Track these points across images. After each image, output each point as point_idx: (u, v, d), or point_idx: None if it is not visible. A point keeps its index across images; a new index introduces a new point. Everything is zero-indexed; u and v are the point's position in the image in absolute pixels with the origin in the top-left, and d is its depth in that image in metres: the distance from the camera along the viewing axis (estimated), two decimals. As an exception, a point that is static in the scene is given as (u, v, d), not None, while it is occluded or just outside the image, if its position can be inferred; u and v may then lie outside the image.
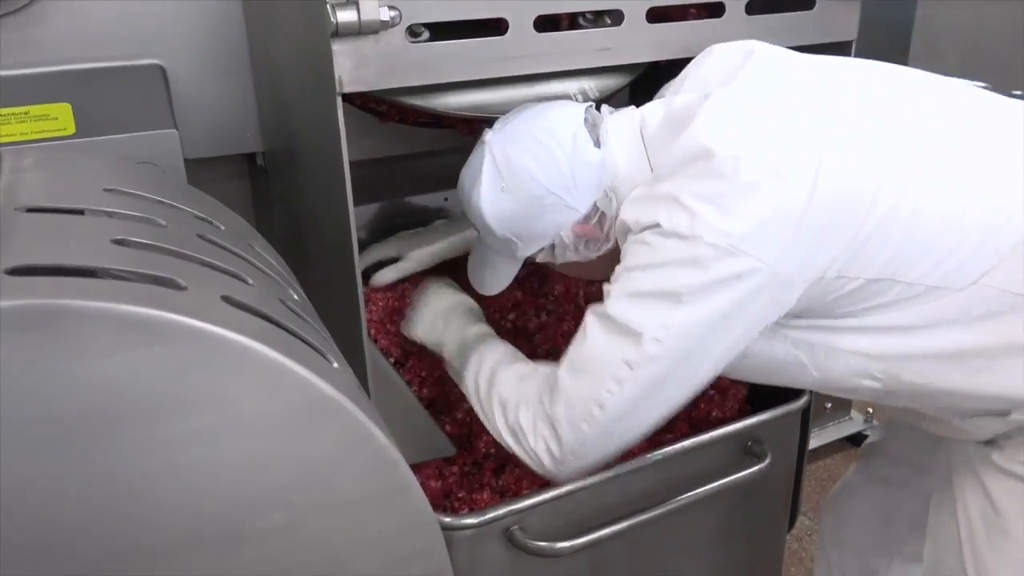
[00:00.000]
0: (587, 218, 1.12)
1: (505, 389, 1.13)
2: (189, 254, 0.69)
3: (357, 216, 1.08)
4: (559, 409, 1.03)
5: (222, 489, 0.61)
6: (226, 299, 0.64)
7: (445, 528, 1.10)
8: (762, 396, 1.42)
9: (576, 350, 1.04)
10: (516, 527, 1.16)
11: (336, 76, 0.99)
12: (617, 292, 1.00)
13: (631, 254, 1.01)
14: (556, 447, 1.05)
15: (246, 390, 0.60)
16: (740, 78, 1.04)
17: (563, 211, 1.11)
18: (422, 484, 1.27)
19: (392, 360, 1.38)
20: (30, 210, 0.68)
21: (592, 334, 1.02)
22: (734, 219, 0.93)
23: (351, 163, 1.04)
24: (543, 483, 1.26)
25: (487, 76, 1.11)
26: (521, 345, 1.50)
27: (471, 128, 1.53)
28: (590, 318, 1.03)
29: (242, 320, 0.63)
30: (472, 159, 1.16)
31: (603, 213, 1.11)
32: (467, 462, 1.35)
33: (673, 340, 0.96)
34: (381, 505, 0.67)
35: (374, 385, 1.18)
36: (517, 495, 1.26)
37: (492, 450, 1.33)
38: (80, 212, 0.72)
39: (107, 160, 0.87)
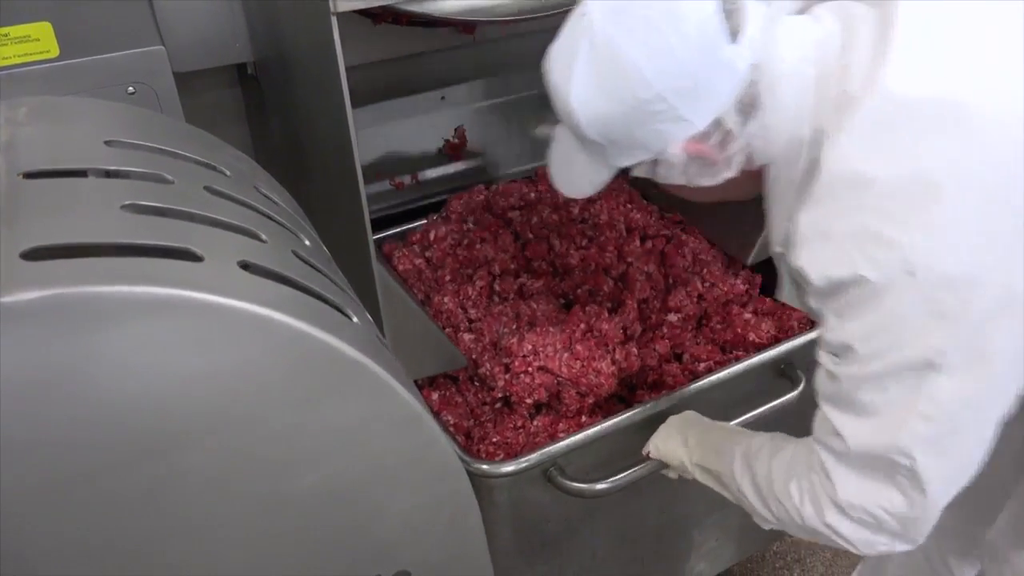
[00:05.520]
0: (705, 135, 0.87)
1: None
2: (200, 214, 0.68)
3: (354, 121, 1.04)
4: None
5: (255, 458, 0.62)
6: (243, 265, 0.64)
7: (485, 476, 1.12)
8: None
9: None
10: (553, 468, 1.15)
11: (330, -5, 0.94)
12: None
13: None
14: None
15: (270, 360, 0.61)
16: None
17: (673, 122, 0.86)
18: (453, 425, 1.28)
19: None
20: (32, 175, 0.67)
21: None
22: None
23: (346, 69, 0.99)
24: (579, 426, 1.27)
25: (487, -15, 1.06)
26: (555, 284, 1.47)
27: (469, 27, 1.47)
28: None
29: (261, 288, 0.63)
30: (566, 35, 0.89)
31: (729, 131, 0.87)
32: (498, 400, 1.32)
33: None
34: (409, 458, 0.69)
35: (384, 302, 1.18)
36: (553, 436, 1.26)
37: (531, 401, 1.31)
38: (83, 173, 0.70)
39: (102, 106, 0.84)
